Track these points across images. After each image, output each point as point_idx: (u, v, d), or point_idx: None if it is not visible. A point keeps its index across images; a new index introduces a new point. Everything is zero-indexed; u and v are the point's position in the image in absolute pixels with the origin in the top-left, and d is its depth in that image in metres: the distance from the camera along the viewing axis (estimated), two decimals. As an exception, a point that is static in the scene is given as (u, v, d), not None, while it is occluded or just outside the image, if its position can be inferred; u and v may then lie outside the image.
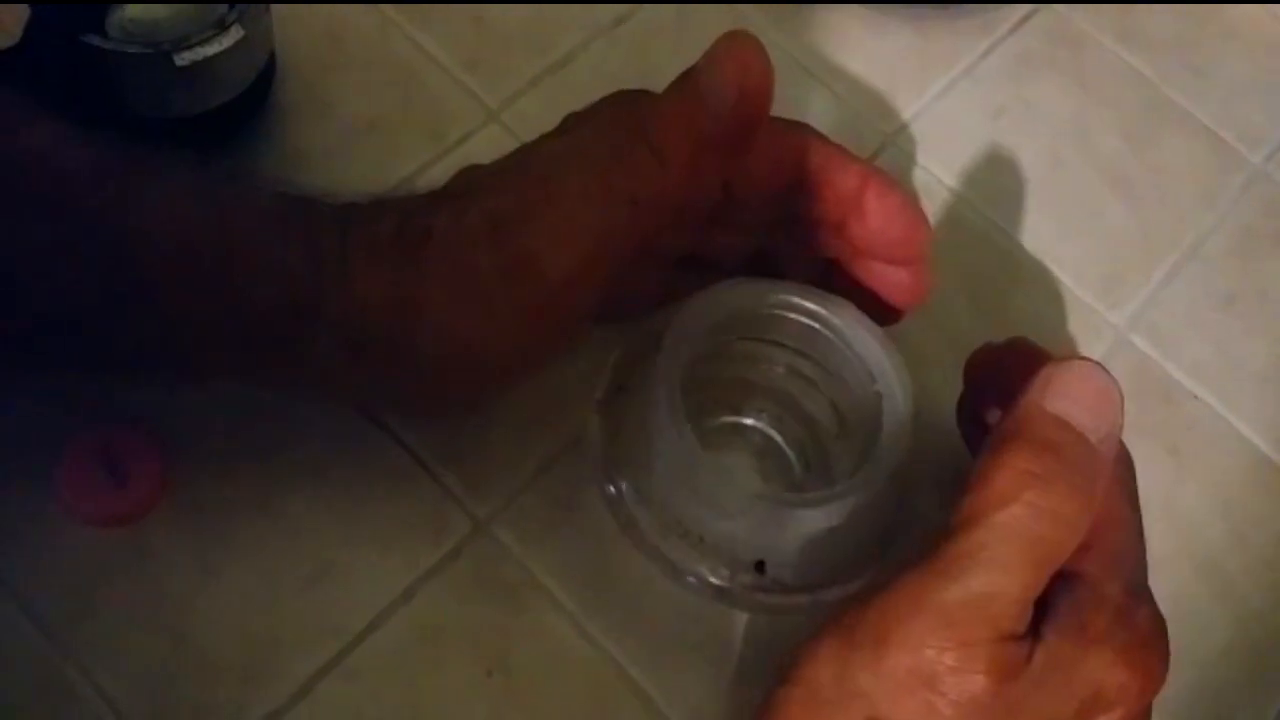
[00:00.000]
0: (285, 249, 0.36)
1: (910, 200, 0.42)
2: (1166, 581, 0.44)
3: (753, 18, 0.54)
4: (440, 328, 0.37)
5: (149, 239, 0.35)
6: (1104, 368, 0.34)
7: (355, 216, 0.37)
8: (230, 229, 0.36)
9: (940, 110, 0.54)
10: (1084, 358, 0.35)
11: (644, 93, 0.40)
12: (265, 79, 0.46)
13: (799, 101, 0.52)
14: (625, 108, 0.39)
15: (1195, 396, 0.49)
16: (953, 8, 0.55)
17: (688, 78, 0.38)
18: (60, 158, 0.35)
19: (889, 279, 0.43)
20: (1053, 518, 0.32)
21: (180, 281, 0.35)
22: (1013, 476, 0.33)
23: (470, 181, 0.39)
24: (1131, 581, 0.35)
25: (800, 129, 0.42)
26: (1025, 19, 0.56)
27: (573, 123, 0.40)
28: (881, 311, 0.43)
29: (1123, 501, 0.37)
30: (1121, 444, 0.38)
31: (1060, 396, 0.34)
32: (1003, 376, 0.36)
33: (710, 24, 0.53)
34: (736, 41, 0.38)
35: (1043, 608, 0.33)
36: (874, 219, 0.41)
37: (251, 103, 0.46)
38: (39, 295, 0.35)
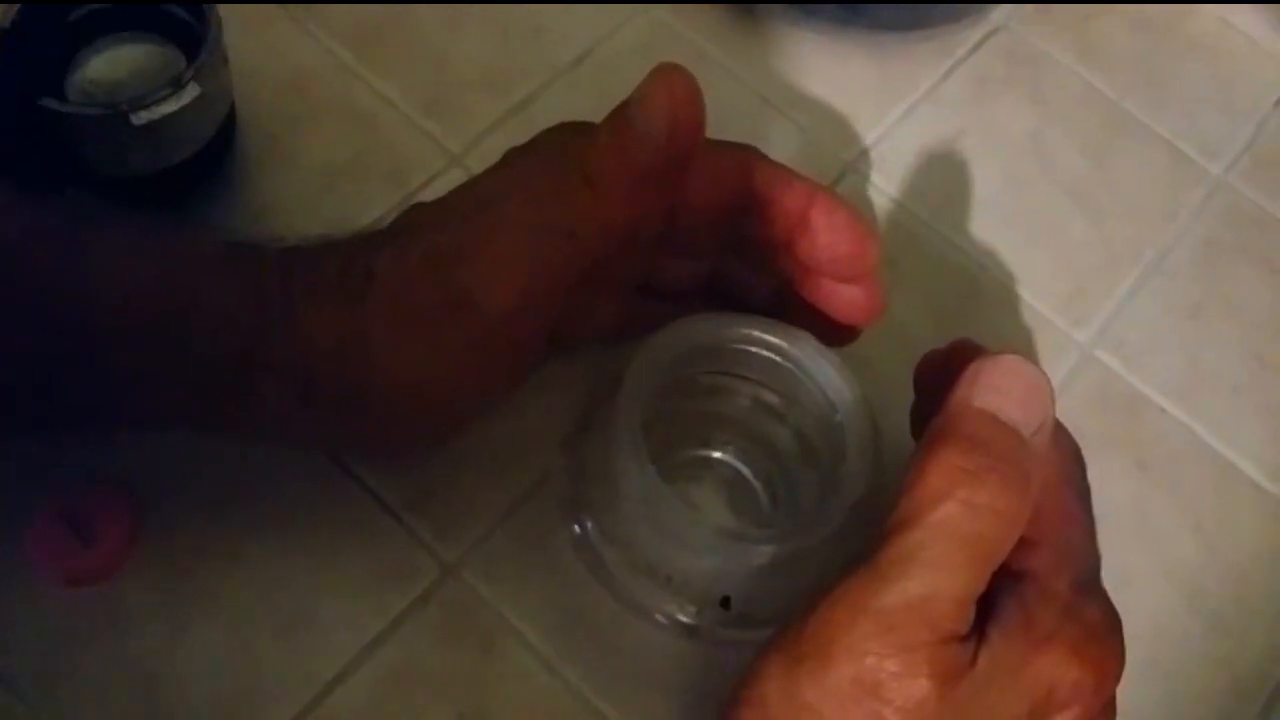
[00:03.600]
0: (230, 295, 0.36)
1: (857, 215, 0.42)
2: (1139, 593, 0.45)
3: (712, 53, 0.54)
4: (387, 366, 0.37)
5: (93, 295, 0.35)
6: (1032, 362, 0.34)
7: (299, 259, 0.38)
8: (174, 279, 0.36)
9: (901, 135, 0.54)
10: (1012, 353, 0.35)
11: (580, 125, 0.40)
12: (226, 133, 0.47)
13: (759, 131, 0.53)
14: (561, 141, 0.40)
15: (1163, 409, 0.49)
16: (911, 33, 0.56)
17: (621, 110, 0.39)
18: (0, 222, 0.35)
19: (841, 296, 0.43)
20: (987, 513, 0.32)
21: (126, 334, 0.35)
22: (945, 474, 0.33)
23: (412, 219, 0.39)
24: (1081, 577, 0.35)
25: (744, 151, 0.42)
26: (983, 40, 0.57)
27: (512, 157, 0.40)
28: (837, 330, 0.43)
29: (1070, 497, 0.37)
30: (1069, 438, 0.38)
31: (989, 391, 0.34)
32: (949, 379, 0.36)
33: (671, 60, 0.54)
34: (666, 74, 0.38)
35: (990, 607, 0.33)
36: (822, 236, 0.41)
37: (214, 157, 0.46)
38: None
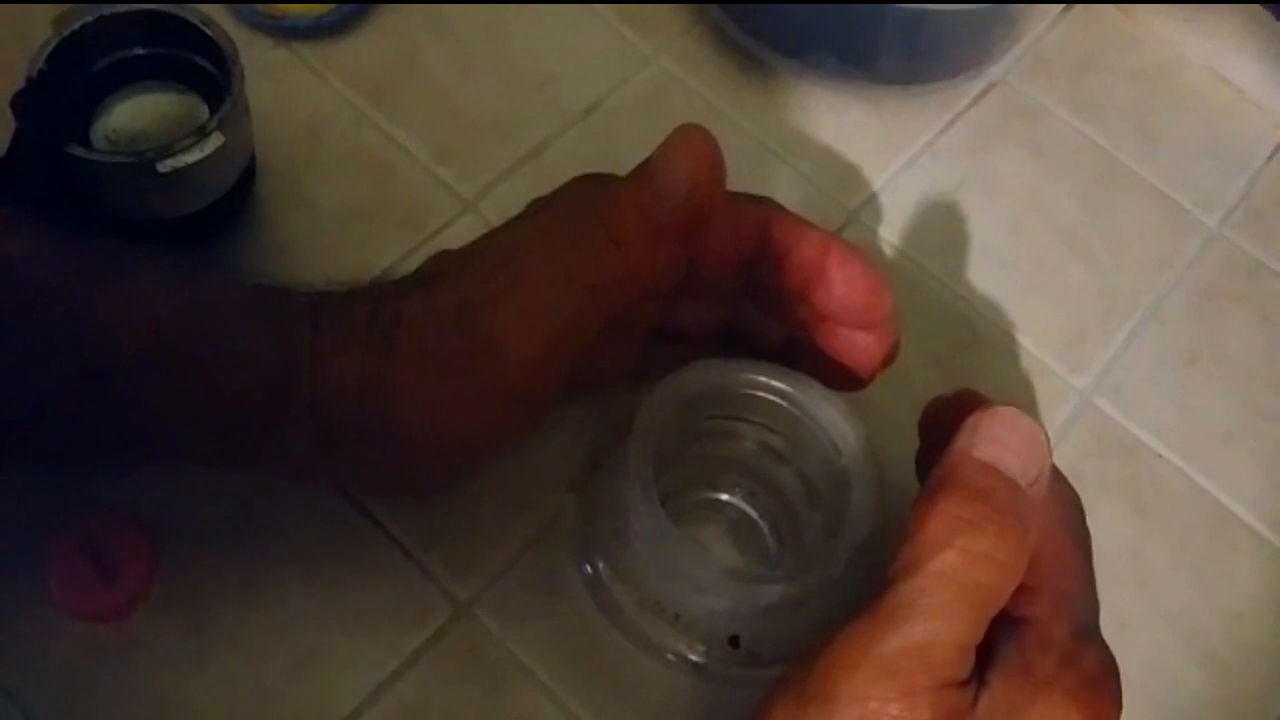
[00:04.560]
0: (257, 336, 0.37)
1: (871, 265, 0.43)
2: (1138, 637, 0.46)
3: (719, 104, 0.56)
4: (410, 410, 0.38)
5: (121, 335, 0.36)
6: (1029, 414, 0.36)
7: (327, 303, 0.39)
8: (202, 320, 0.37)
9: (902, 185, 0.55)
10: (1010, 404, 0.36)
11: (603, 178, 0.41)
12: (247, 180, 0.48)
13: (764, 181, 0.54)
14: (584, 195, 0.40)
15: (1159, 455, 0.50)
16: (911, 86, 0.57)
17: (643, 168, 0.40)
18: (35, 265, 0.36)
19: (855, 344, 0.44)
20: (986, 562, 0.33)
21: (153, 374, 0.36)
22: (945, 523, 0.34)
23: (439, 267, 0.40)
24: (1079, 623, 0.35)
25: (761, 202, 0.43)
26: (983, 94, 0.58)
27: (536, 208, 0.41)
28: (849, 377, 0.44)
29: (1068, 544, 0.37)
30: (1069, 487, 0.39)
31: (987, 442, 0.35)
32: (953, 427, 0.36)
33: (679, 111, 0.55)
34: (689, 134, 0.39)
35: (990, 653, 0.34)
36: (837, 285, 0.42)
37: (234, 203, 0.47)
38: (12, 395, 0.36)
